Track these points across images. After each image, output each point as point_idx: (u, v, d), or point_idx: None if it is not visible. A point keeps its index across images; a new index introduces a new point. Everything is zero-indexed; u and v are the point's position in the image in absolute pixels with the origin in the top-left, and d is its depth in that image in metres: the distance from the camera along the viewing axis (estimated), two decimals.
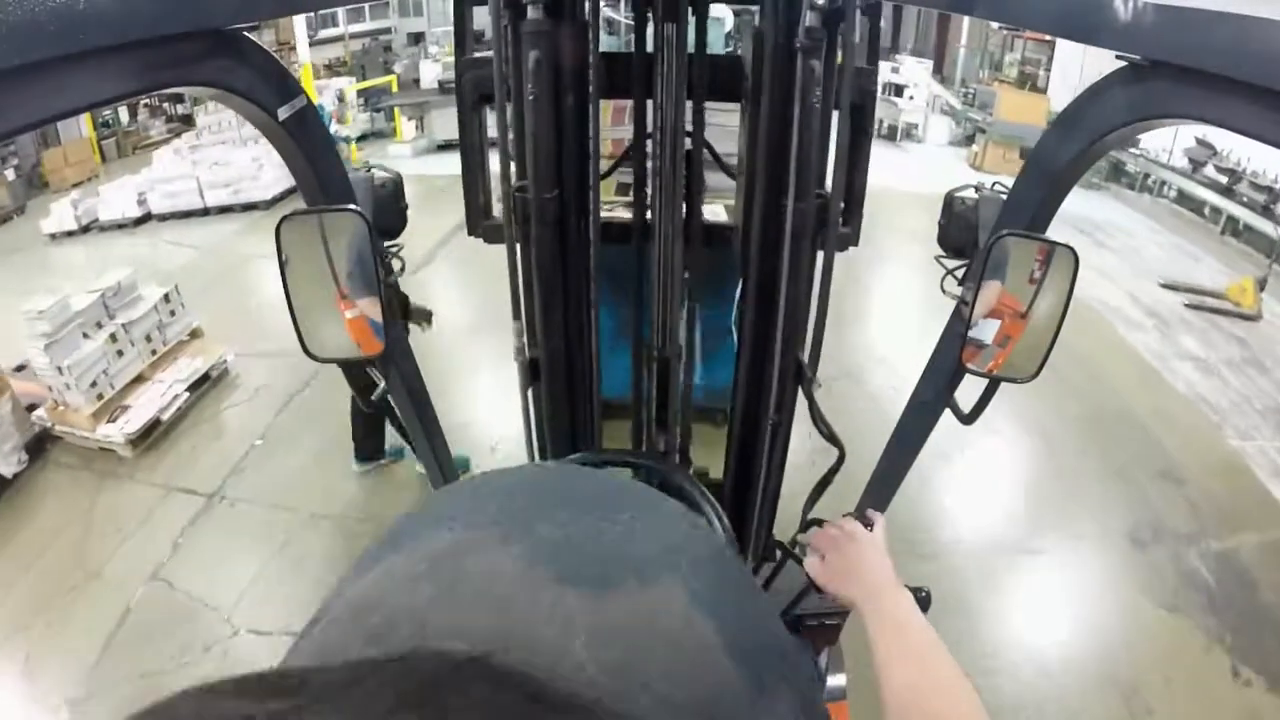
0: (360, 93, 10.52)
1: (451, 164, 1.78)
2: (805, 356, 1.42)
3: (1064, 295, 1.03)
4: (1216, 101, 0.66)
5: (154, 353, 4.48)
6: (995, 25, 10.59)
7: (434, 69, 10.61)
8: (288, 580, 3.25)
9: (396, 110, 10.20)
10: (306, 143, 1.02)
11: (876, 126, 10.44)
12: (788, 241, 1.30)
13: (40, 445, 4.15)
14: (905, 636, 0.79)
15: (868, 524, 1.04)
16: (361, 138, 9.99)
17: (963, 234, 1.21)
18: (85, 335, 4.11)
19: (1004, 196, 1.14)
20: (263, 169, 8.05)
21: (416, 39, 13.45)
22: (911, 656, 0.76)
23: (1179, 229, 7.75)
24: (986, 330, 1.12)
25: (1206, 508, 3.74)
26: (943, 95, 11.23)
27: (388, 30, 13.67)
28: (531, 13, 1.18)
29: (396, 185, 1.29)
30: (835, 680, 1.61)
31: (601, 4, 1.30)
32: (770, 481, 1.63)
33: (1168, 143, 8.13)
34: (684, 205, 1.42)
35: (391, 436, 3.75)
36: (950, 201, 1.24)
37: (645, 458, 1.59)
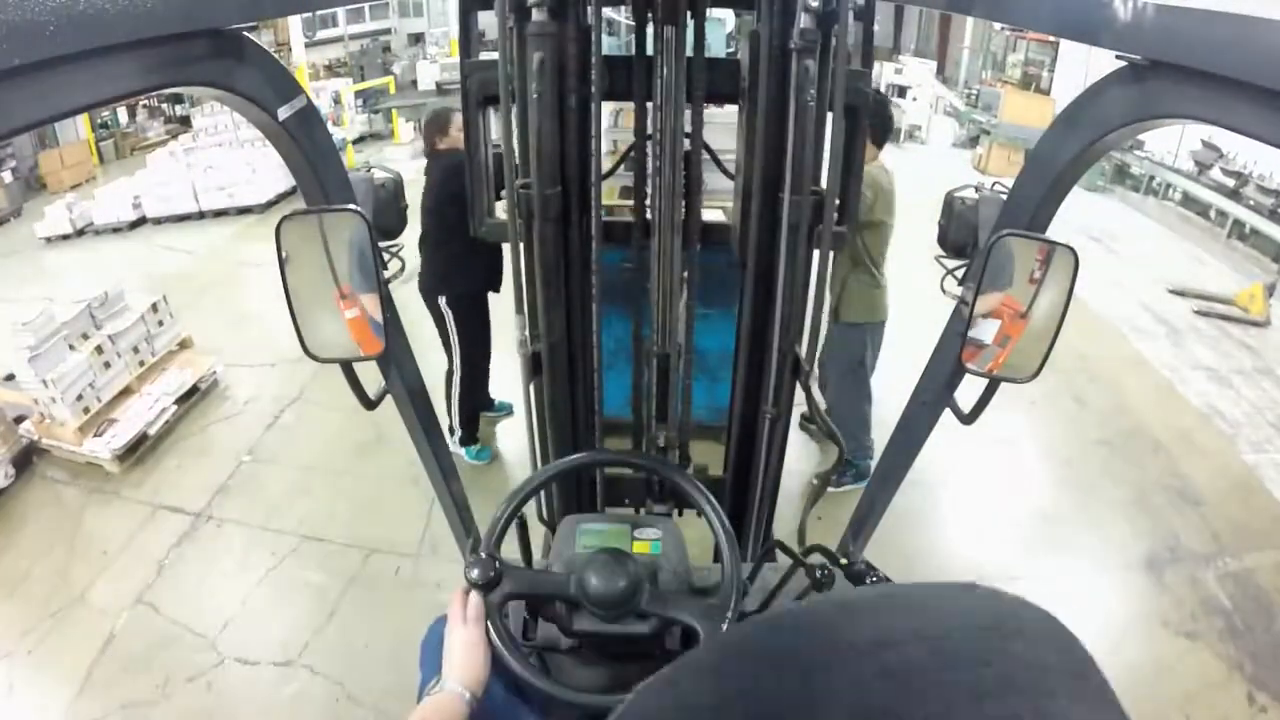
0: (358, 94, 10.43)
1: None
2: (802, 352, 1.43)
3: (1064, 295, 1.03)
4: (1216, 101, 0.66)
5: (142, 364, 4.39)
6: (997, 26, 10.51)
7: (432, 70, 10.53)
8: (275, 607, 3.17)
9: (394, 112, 10.13)
10: (306, 143, 1.03)
11: None
12: (784, 236, 1.34)
13: (27, 459, 4.07)
14: None
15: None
16: (359, 140, 9.93)
17: (963, 234, 1.24)
18: (71, 347, 4.02)
19: (1004, 196, 1.15)
20: (256, 172, 7.96)
21: (416, 39, 13.39)
22: None
23: (1185, 233, 7.66)
24: (986, 330, 1.13)
25: (1222, 527, 3.65)
26: (946, 97, 11.14)
27: (388, 31, 13.61)
28: (536, 15, 1.22)
29: (396, 185, 1.33)
30: None
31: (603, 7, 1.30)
32: (769, 477, 1.66)
33: (1173, 145, 8.04)
34: (683, 205, 1.45)
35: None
36: (950, 201, 1.26)
37: (645, 457, 1.60)
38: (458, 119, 2.96)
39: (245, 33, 0.86)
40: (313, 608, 3.11)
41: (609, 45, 4.20)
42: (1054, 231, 1.08)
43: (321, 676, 2.83)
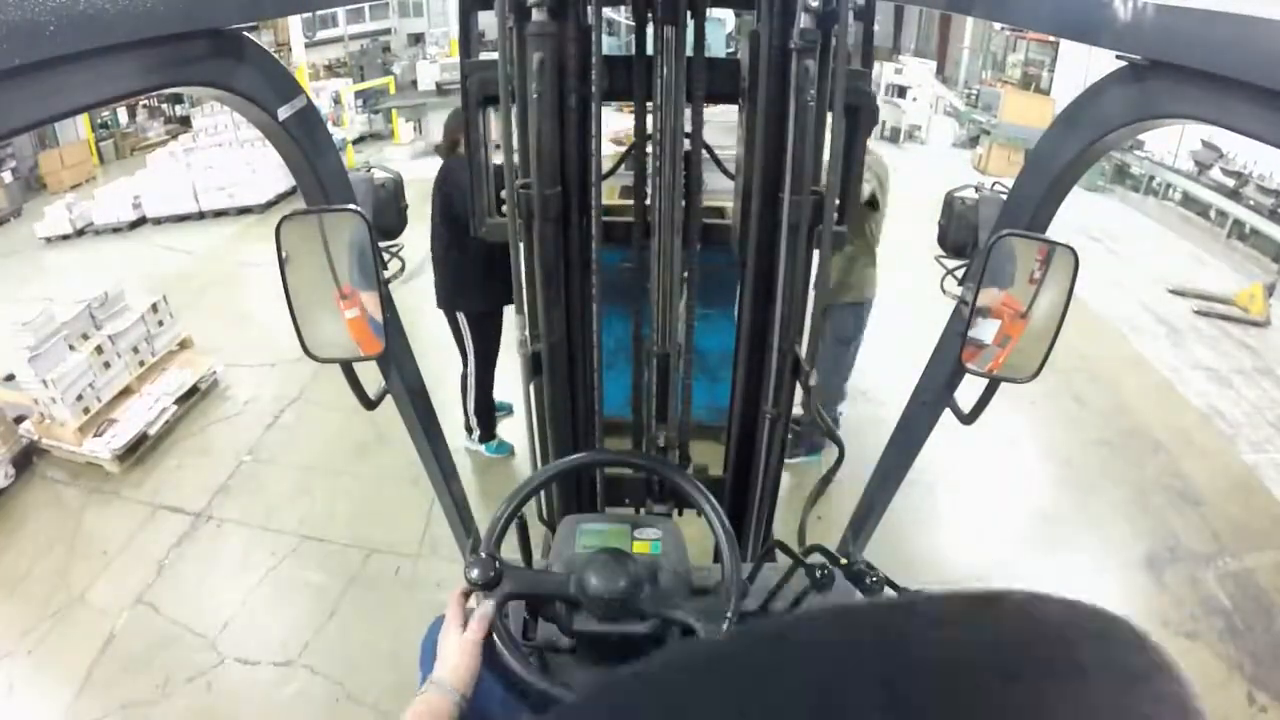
0: (358, 94, 10.43)
1: None
2: (802, 352, 1.44)
3: (1064, 295, 1.03)
4: (1216, 101, 0.66)
5: (142, 364, 4.39)
6: (997, 26, 10.50)
7: (432, 70, 10.51)
8: (275, 607, 3.16)
9: (394, 112, 10.12)
10: (307, 143, 1.03)
11: (880, 128, 10.42)
12: (784, 236, 1.34)
13: (27, 459, 4.07)
14: None
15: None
16: (359, 140, 9.92)
17: (963, 234, 1.24)
18: (71, 347, 4.02)
19: (1004, 196, 1.15)
20: (256, 173, 7.96)
21: (416, 39, 13.38)
22: None
23: (1185, 233, 7.66)
24: (986, 330, 1.13)
25: (1222, 526, 3.65)
26: (946, 97, 11.13)
27: (388, 31, 13.60)
28: (536, 15, 1.22)
29: (396, 185, 1.32)
30: None
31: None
32: (769, 477, 1.67)
33: (1173, 145, 8.04)
34: (684, 205, 1.45)
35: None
36: (950, 201, 1.26)
37: (645, 457, 1.60)
38: None
39: (245, 33, 0.86)
40: (313, 608, 3.11)
41: (609, 45, 4.22)
42: (1054, 231, 1.08)
43: (321, 676, 2.83)
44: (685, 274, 1.54)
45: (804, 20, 1.17)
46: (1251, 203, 6.99)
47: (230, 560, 3.40)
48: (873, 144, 3.15)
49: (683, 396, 1.66)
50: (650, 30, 1.35)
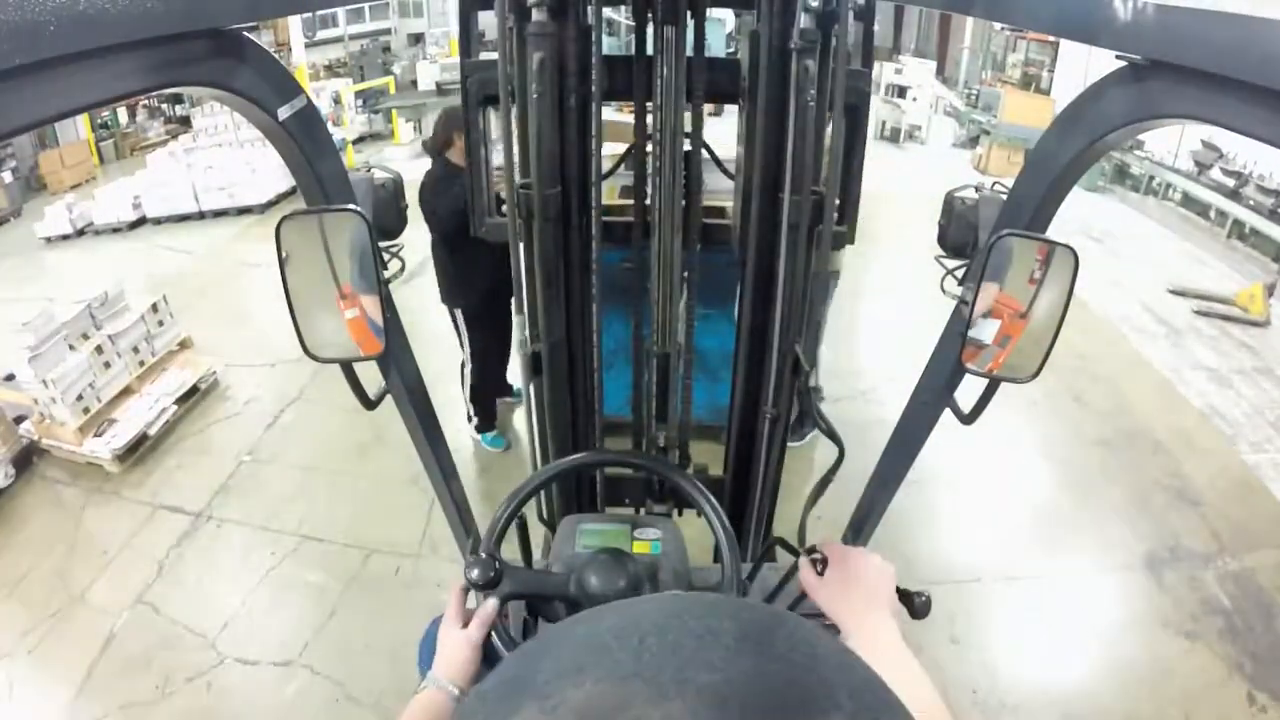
0: (358, 94, 10.43)
1: None
2: (801, 351, 1.44)
3: (1064, 295, 1.03)
4: (1216, 101, 0.66)
5: (142, 364, 4.39)
6: (998, 26, 10.50)
7: (432, 70, 10.52)
8: (275, 607, 3.16)
9: (394, 112, 10.12)
10: (307, 143, 1.03)
11: (879, 128, 10.43)
12: (784, 236, 1.34)
13: (27, 459, 4.07)
14: (880, 665, 0.73)
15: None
16: (359, 140, 9.92)
17: (963, 234, 1.24)
18: (71, 347, 4.02)
19: (1004, 196, 1.15)
20: (256, 173, 7.96)
21: (416, 39, 13.38)
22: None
23: (1185, 233, 7.66)
24: (986, 330, 1.12)
25: (1221, 526, 3.65)
26: (946, 97, 11.13)
27: (388, 31, 13.60)
28: (536, 15, 1.22)
29: (396, 185, 1.32)
30: None
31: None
32: (769, 477, 1.67)
33: (1173, 145, 8.04)
34: (684, 205, 1.45)
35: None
36: (950, 201, 1.26)
37: (645, 457, 1.60)
38: None
39: (245, 33, 0.86)
40: (313, 608, 3.11)
41: (609, 45, 4.23)
42: (1054, 231, 1.08)
43: (321, 676, 2.83)
44: (685, 274, 1.54)
45: (804, 20, 1.17)
46: (1251, 203, 6.98)
47: (230, 560, 3.41)
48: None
49: (683, 396, 1.66)
50: (650, 30, 1.35)
